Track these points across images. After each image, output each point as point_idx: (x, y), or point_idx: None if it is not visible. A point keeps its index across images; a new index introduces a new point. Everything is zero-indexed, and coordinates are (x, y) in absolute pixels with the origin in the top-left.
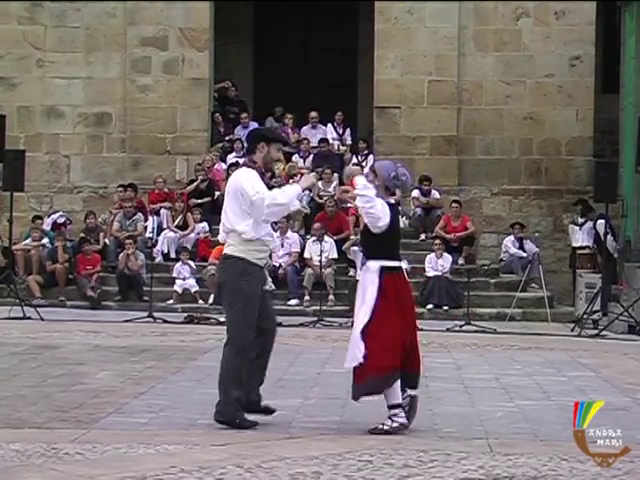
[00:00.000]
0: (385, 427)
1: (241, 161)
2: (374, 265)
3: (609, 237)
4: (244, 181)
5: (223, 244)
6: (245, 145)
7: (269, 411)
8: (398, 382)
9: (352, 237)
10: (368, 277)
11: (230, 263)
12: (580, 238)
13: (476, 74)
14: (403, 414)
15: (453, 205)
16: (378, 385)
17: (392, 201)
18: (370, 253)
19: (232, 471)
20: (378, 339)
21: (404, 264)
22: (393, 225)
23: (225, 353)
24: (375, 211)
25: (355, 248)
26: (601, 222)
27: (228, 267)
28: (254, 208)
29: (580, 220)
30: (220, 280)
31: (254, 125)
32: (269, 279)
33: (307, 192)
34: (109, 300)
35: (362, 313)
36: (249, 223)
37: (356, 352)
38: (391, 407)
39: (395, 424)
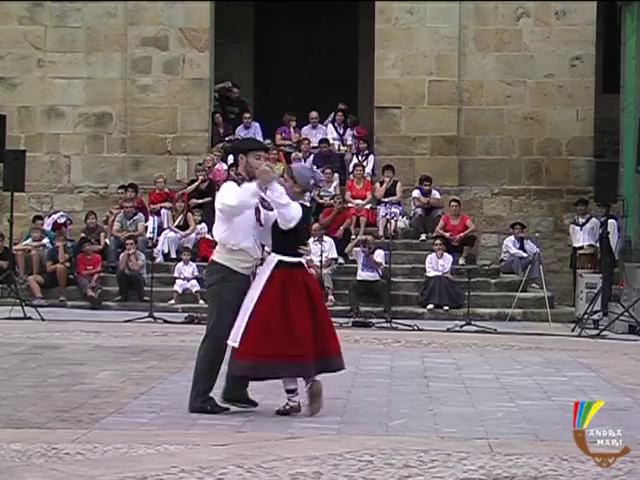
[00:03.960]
0: (285, 408)
1: None
2: (273, 258)
3: (617, 238)
4: (218, 195)
5: None
6: None
7: (253, 404)
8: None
9: (353, 237)
10: (263, 268)
11: (214, 269)
12: (581, 238)
13: (476, 74)
14: (296, 398)
15: (452, 204)
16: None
17: (307, 203)
18: (273, 247)
19: (233, 471)
20: (259, 328)
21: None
22: (300, 225)
23: (201, 349)
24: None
25: (357, 249)
26: (612, 222)
27: (212, 272)
28: (221, 214)
29: (581, 220)
30: (205, 283)
31: (256, 125)
32: None
33: (308, 193)
34: (110, 300)
35: (249, 298)
36: (225, 232)
37: (237, 334)
38: (287, 391)
39: (287, 406)
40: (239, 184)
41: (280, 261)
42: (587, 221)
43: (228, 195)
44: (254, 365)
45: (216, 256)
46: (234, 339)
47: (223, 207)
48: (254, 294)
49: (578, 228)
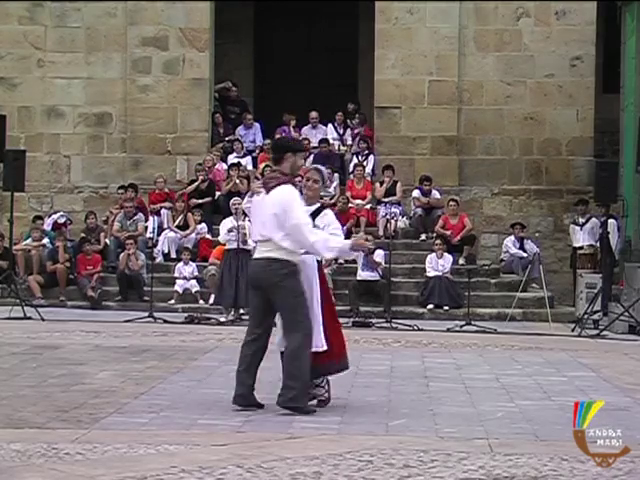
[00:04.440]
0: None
1: (243, 161)
2: (312, 259)
3: (617, 238)
4: (295, 206)
5: (224, 244)
6: (244, 146)
7: (260, 406)
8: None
9: (354, 236)
10: (307, 269)
11: (279, 265)
12: (581, 238)
13: (476, 74)
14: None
15: (450, 204)
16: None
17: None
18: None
19: (232, 471)
20: (331, 327)
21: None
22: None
23: (292, 344)
24: None
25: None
26: (612, 222)
27: (278, 269)
28: (298, 236)
29: (581, 220)
30: (270, 281)
31: (257, 125)
32: None
33: None
34: (109, 300)
35: (315, 302)
36: (286, 237)
37: (319, 338)
38: (317, 385)
39: (322, 398)
40: (300, 190)
41: (318, 261)
42: (587, 221)
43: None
44: (342, 362)
45: (276, 254)
46: (318, 344)
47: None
48: (316, 296)
49: (578, 228)
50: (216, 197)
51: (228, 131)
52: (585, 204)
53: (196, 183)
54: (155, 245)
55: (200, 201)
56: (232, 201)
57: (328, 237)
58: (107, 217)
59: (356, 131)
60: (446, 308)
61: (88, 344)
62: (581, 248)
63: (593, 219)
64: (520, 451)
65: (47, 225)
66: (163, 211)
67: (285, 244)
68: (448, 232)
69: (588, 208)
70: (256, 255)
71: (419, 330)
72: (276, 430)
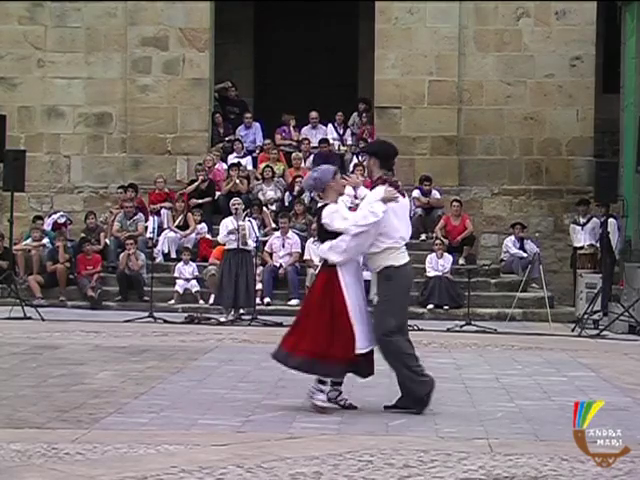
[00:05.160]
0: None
1: (243, 161)
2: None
3: (617, 237)
4: None
5: (223, 244)
6: (244, 146)
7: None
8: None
9: None
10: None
11: None
12: (581, 238)
13: (477, 74)
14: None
15: (454, 204)
16: None
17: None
18: None
19: (233, 471)
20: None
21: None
22: None
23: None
24: None
25: None
26: (612, 221)
27: None
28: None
29: (582, 220)
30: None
31: (257, 125)
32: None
33: (308, 192)
34: (110, 300)
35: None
36: None
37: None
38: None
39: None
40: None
41: None
42: (588, 221)
43: None
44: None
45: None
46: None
47: None
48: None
49: (579, 228)
50: (216, 197)
51: (228, 131)
52: (586, 204)
53: (196, 183)
54: (155, 245)
55: (200, 201)
56: (232, 201)
57: None
58: (106, 218)
59: (364, 129)
60: (446, 308)
61: (88, 344)
62: (581, 248)
63: (594, 219)
64: (520, 451)
65: (47, 225)
66: (163, 211)
67: None
68: (446, 241)
69: (589, 208)
70: (407, 259)
71: (419, 330)
72: (276, 430)
